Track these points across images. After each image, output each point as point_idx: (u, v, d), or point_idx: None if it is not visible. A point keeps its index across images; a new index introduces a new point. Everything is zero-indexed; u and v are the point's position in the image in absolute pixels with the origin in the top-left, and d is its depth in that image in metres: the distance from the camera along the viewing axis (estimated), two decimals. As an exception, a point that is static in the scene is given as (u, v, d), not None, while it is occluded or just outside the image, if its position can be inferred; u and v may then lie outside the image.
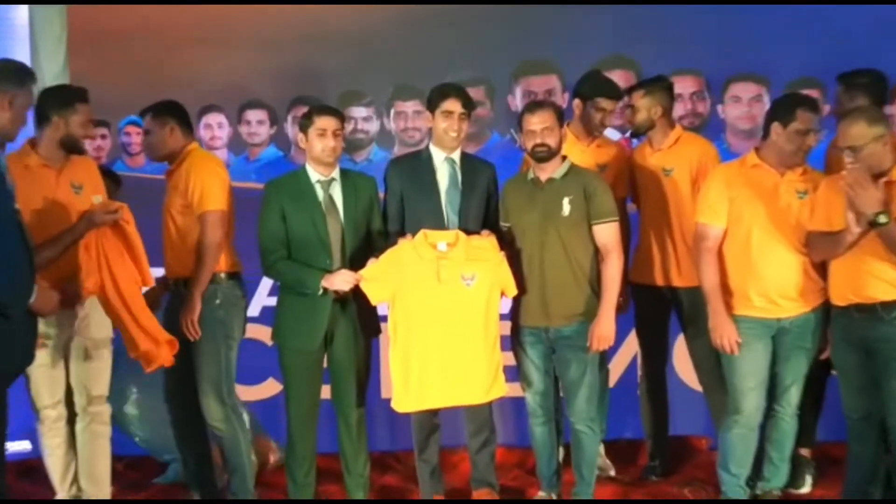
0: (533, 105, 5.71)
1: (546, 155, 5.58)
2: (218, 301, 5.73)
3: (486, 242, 5.61)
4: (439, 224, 5.73)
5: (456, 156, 5.81)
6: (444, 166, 5.83)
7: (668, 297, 6.38)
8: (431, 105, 5.78)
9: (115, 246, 5.32)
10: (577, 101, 6.40)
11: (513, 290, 5.67)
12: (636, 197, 6.52)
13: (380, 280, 5.57)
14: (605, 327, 5.62)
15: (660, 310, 6.42)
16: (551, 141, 5.57)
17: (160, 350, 5.45)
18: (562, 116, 5.73)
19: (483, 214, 5.83)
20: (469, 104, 5.75)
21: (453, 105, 5.69)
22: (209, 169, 5.73)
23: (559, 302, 5.63)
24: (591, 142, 6.39)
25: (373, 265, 5.61)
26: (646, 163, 6.41)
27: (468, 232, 5.62)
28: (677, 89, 6.52)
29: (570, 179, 5.66)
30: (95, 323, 5.56)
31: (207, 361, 5.67)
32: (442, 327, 5.50)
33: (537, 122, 5.57)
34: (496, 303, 5.61)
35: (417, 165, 5.80)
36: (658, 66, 6.61)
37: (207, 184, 5.68)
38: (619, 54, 7.07)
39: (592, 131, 6.38)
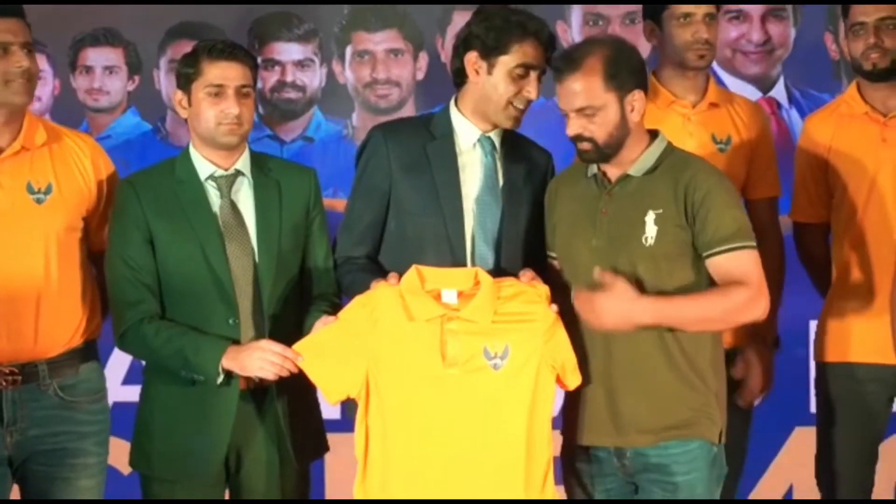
0: (557, 62, 4.10)
1: (593, 156, 4.13)
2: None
3: (528, 291, 4.13)
4: (456, 257, 4.30)
5: (497, 135, 4.37)
6: (477, 153, 4.37)
7: None
8: (494, 46, 4.21)
9: None
10: (646, 25, 4.62)
11: (575, 376, 4.13)
12: (823, 198, 4.69)
13: (334, 359, 4.16)
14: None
15: (879, 410, 4.70)
16: (597, 130, 4.06)
17: None
18: (617, 73, 4.05)
19: (535, 243, 4.41)
20: (551, 51, 4.26)
21: (533, 54, 4.20)
22: None
23: (637, 401, 4.13)
24: (701, 95, 4.58)
25: (320, 332, 4.22)
26: (861, 136, 4.56)
27: (499, 273, 4.21)
28: None
29: (663, 176, 4.13)
30: None
31: None
32: (450, 446, 4.10)
33: (565, 96, 4.05)
34: (547, 399, 4.12)
35: (427, 144, 4.36)
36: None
37: None
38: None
39: (685, 71, 4.54)
